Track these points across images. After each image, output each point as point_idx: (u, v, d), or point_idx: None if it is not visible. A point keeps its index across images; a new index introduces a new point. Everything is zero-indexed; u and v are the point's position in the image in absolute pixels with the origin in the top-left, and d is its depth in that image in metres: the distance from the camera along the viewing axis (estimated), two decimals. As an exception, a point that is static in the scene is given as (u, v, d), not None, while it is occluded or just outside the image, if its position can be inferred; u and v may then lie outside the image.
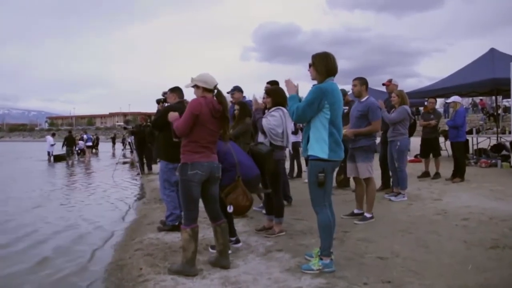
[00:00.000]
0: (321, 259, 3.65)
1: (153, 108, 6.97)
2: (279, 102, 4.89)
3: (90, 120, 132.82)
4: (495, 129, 14.64)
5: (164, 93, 6.04)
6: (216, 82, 3.75)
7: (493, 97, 17.70)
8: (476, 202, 6.30)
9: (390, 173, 7.27)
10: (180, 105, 5.10)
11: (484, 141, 13.46)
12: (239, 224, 5.27)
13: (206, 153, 3.68)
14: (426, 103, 11.01)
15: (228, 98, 4.99)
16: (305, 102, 3.63)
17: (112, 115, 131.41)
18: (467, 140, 10.49)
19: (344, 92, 6.58)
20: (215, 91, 3.74)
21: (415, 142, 10.09)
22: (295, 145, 8.93)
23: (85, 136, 25.85)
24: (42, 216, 7.20)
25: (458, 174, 8.47)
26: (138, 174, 13.42)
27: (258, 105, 5.05)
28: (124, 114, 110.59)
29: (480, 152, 12.41)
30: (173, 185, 5.29)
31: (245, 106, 5.64)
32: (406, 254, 4.03)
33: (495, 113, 20.21)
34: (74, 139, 25.57)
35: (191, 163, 3.61)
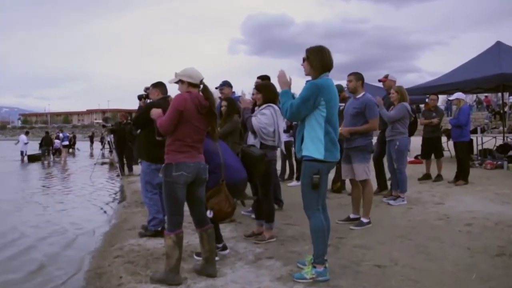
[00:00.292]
0: (314, 267, 3.65)
1: (134, 105, 6.95)
2: (270, 99, 4.90)
3: (66, 117, 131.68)
4: (501, 128, 14.70)
5: (146, 89, 6.02)
6: (202, 77, 3.76)
7: (499, 94, 17.83)
8: (481, 207, 6.34)
9: (389, 175, 7.30)
10: (164, 102, 5.09)
11: (490, 141, 13.45)
12: (227, 230, 5.27)
13: (192, 153, 3.68)
14: (427, 100, 11.08)
15: (217, 93, 4.99)
16: (299, 99, 3.61)
17: (89, 112, 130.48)
18: (471, 140, 10.57)
19: (340, 88, 6.58)
20: (201, 86, 3.75)
21: (416, 142, 10.12)
22: (288, 145, 8.93)
23: (61, 135, 25.75)
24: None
25: (462, 176, 8.48)
26: (118, 175, 13.38)
27: (246, 104, 5.05)
28: (103, 111, 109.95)
29: (485, 152, 12.40)
30: (155, 187, 5.28)
31: (233, 102, 5.64)
32: (406, 262, 4.05)
33: (501, 111, 20.09)
34: (51, 140, 25.47)
35: (176, 164, 3.61)
